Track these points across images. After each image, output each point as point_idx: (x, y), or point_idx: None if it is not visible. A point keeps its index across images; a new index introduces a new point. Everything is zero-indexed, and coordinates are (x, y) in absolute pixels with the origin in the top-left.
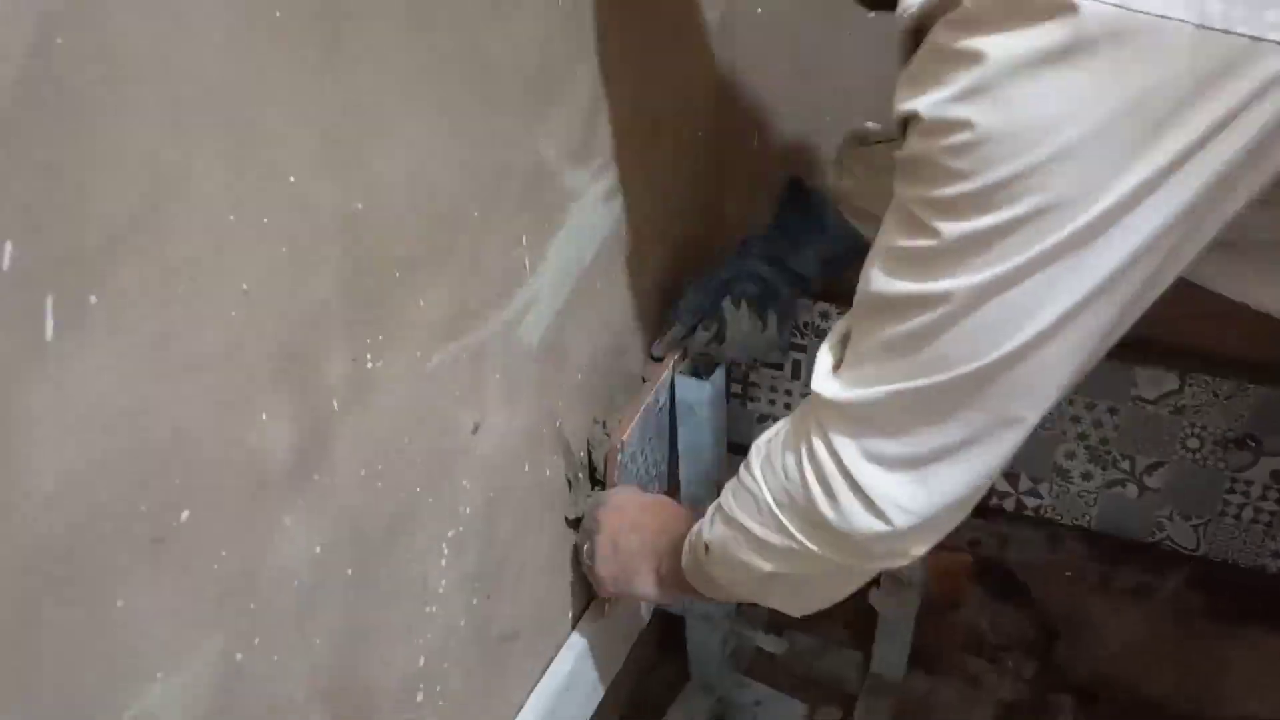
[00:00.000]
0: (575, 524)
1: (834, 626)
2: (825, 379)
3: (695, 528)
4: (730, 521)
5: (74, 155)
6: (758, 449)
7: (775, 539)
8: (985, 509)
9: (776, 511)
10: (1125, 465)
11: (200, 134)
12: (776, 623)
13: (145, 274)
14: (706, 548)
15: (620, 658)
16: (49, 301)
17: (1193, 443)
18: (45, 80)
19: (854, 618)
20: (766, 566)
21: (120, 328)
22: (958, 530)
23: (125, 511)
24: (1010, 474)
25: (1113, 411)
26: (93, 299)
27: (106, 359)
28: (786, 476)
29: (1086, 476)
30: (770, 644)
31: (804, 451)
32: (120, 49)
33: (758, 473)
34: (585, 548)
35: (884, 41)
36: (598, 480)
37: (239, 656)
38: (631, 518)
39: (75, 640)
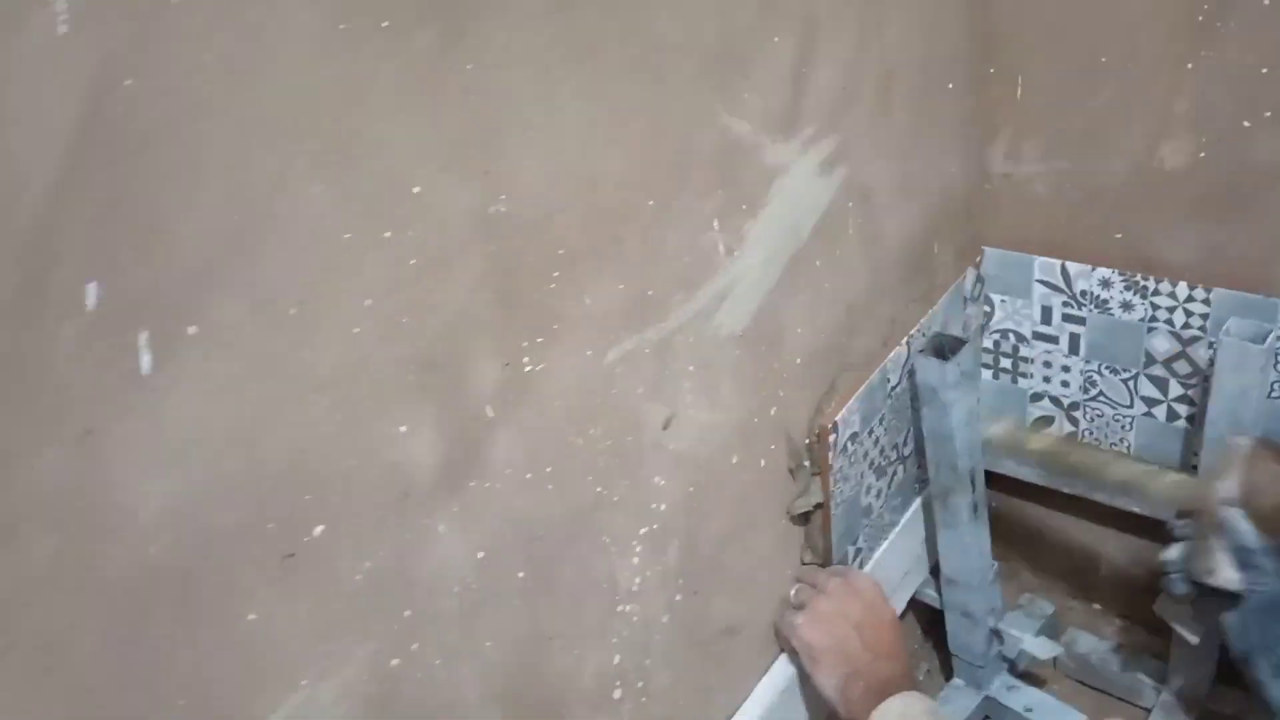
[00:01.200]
0: (800, 518)
1: (1134, 630)
2: None
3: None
4: None
5: (148, 190)
6: None
7: None
8: None
9: None
10: None
11: (293, 152)
12: (1056, 623)
13: (244, 300)
14: None
15: None
16: (142, 337)
17: None
18: (112, 121)
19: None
20: None
21: (222, 355)
22: None
23: (245, 531)
24: None
25: None
26: (191, 330)
27: (208, 386)
28: None
29: None
30: (1038, 648)
31: None
32: (190, 78)
33: None
34: (797, 594)
35: None
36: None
37: (395, 662)
38: (861, 617)
39: (201, 654)
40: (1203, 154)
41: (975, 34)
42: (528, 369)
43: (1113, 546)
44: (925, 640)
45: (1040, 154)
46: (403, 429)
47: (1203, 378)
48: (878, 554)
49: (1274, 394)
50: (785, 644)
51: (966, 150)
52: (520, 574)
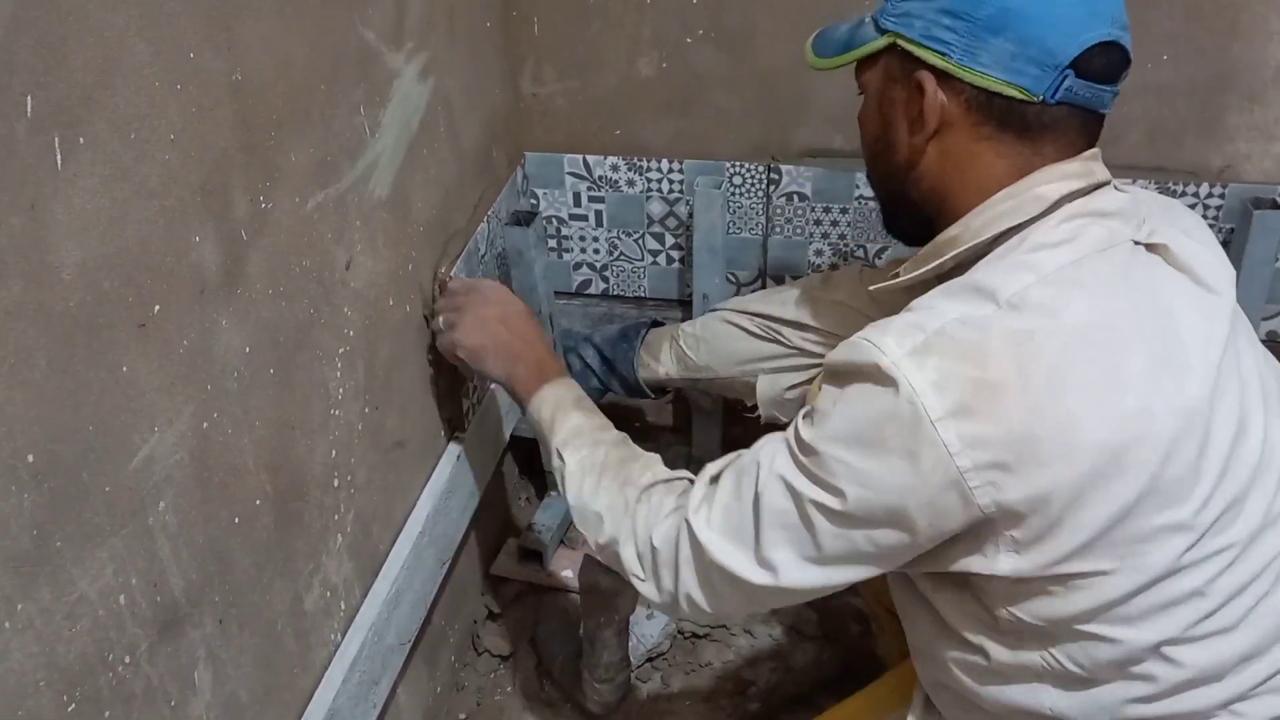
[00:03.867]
0: (435, 363)
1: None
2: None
3: (554, 406)
4: (585, 477)
5: (57, 37)
6: (648, 495)
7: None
8: None
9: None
10: (860, 253)
11: (128, 19)
12: None
13: (109, 123)
14: (560, 454)
15: (490, 468)
16: (56, 140)
17: None
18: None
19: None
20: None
21: (99, 161)
22: None
23: (118, 299)
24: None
25: (843, 210)
26: (80, 140)
27: (94, 184)
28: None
29: (834, 268)
30: None
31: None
32: None
33: (640, 509)
34: (442, 319)
35: None
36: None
37: (205, 425)
38: (502, 313)
39: (100, 391)
40: (664, 64)
41: None
42: (263, 205)
43: None
44: (522, 476)
45: (557, 75)
46: (197, 239)
47: (686, 228)
48: (488, 394)
49: (730, 230)
50: (451, 356)
51: (503, 75)
52: (271, 370)
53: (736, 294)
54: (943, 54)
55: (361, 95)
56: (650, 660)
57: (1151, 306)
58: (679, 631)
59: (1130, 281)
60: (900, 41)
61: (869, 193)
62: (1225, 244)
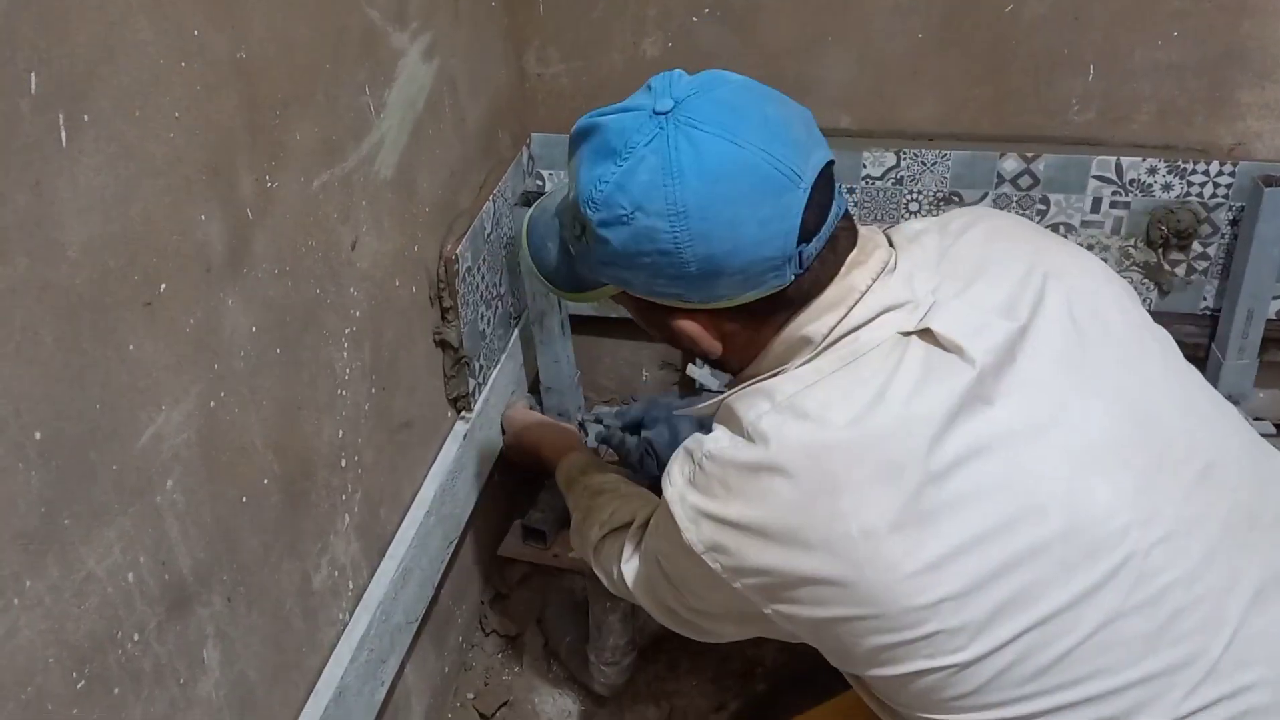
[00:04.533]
0: (441, 344)
1: None
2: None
3: (573, 475)
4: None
5: (59, 13)
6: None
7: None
8: None
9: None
10: None
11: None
12: None
13: (113, 100)
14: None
15: (496, 449)
16: (60, 117)
17: (913, 206)
18: None
19: None
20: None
21: (103, 139)
22: None
23: (125, 277)
24: None
25: (850, 191)
26: (85, 117)
27: (99, 162)
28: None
29: None
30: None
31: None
32: None
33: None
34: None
35: None
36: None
37: (212, 404)
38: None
39: (106, 370)
40: (669, 44)
41: None
42: (269, 185)
43: (645, 358)
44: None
45: (561, 56)
46: (203, 217)
47: None
48: (493, 376)
49: None
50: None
51: (508, 57)
52: (278, 350)
53: None
54: (681, 302)
55: (366, 75)
56: (656, 642)
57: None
58: None
59: (853, 398)
60: (630, 292)
61: (876, 172)
62: (1234, 222)
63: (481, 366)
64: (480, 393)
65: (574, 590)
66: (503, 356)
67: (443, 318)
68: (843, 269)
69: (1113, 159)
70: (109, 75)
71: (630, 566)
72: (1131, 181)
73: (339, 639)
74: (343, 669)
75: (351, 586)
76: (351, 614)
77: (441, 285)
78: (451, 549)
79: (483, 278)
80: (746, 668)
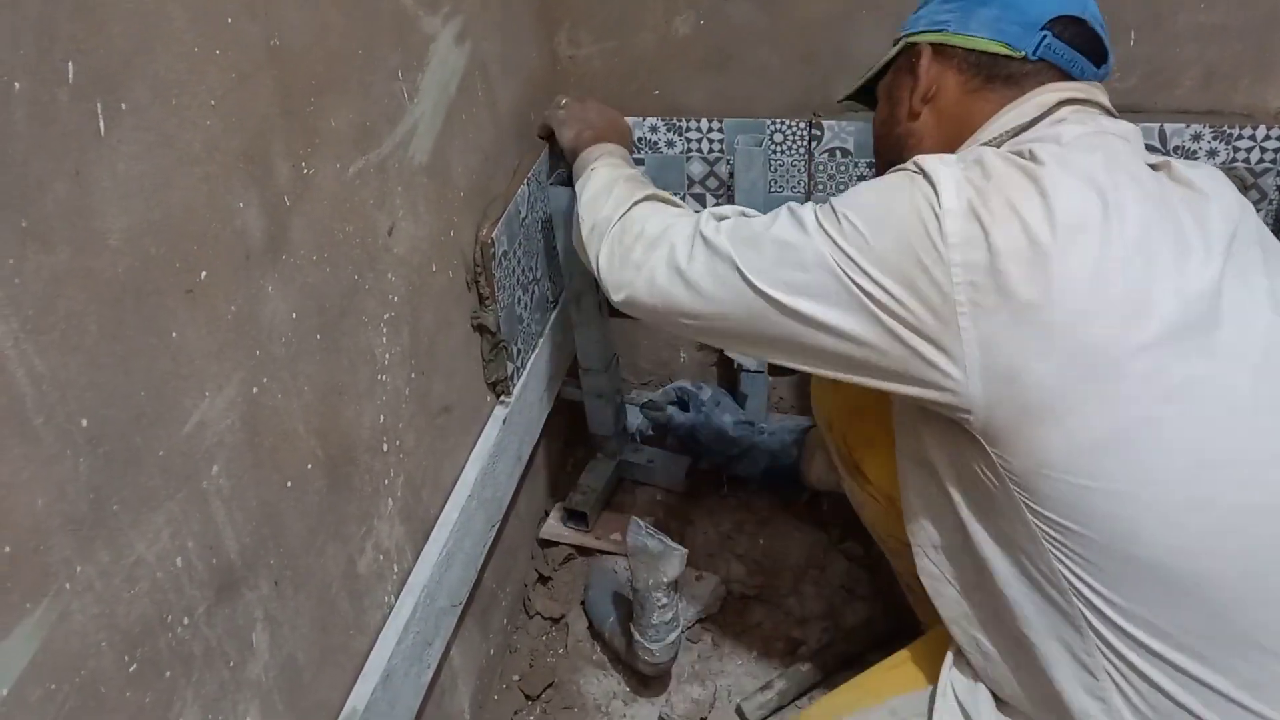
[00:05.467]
0: (478, 329)
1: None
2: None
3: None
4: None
5: (95, 2)
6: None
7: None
8: None
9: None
10: None
11: None
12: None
13: (150, 89)
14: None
15: (535, 432)
16: (99, 106)
17: None
18: None
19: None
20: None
21: (141, 128)
22: None
23: (166, 265)
24: None
25: None
26: (122, 106)
27: (137, 150)
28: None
29: None
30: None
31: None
32: None
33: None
34: (557, 114)
35: None
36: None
37: (255, 390)
38: (598, 111)
39: (150, 357)
40: (701, 22)
41: None
42: (305, 171)
43: (683, 339)
44: (568, 441)
45: (593, 37)
46: (241, 205)
47: (727, 188)
48: (531, 360)
49: (771, 189)
50: (544, 130)
51: (539, 38)
52: (317, 335)
53: None
54: (941, 29)
55: (399, 60)
56: (700, 621)
57: (1157, 191)
58: (729, 593)
59: (1137, 166)
60: (908, 39)
61: None
62: None
63: (519, 350)
64: (519, 377)
65: (616, 571)
66: (540, 341)
67: (480, 302)
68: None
69: (1156, 126)
70: (145, 64)
71: (716, 222)
72: (1176, 149)
73: (385, 622)
74: (389, 652)
75: (396, 570)
76: (397, 597)
77: (478, 269)
78: (494, 532)
79: (519, 262)
80: (790, 647)
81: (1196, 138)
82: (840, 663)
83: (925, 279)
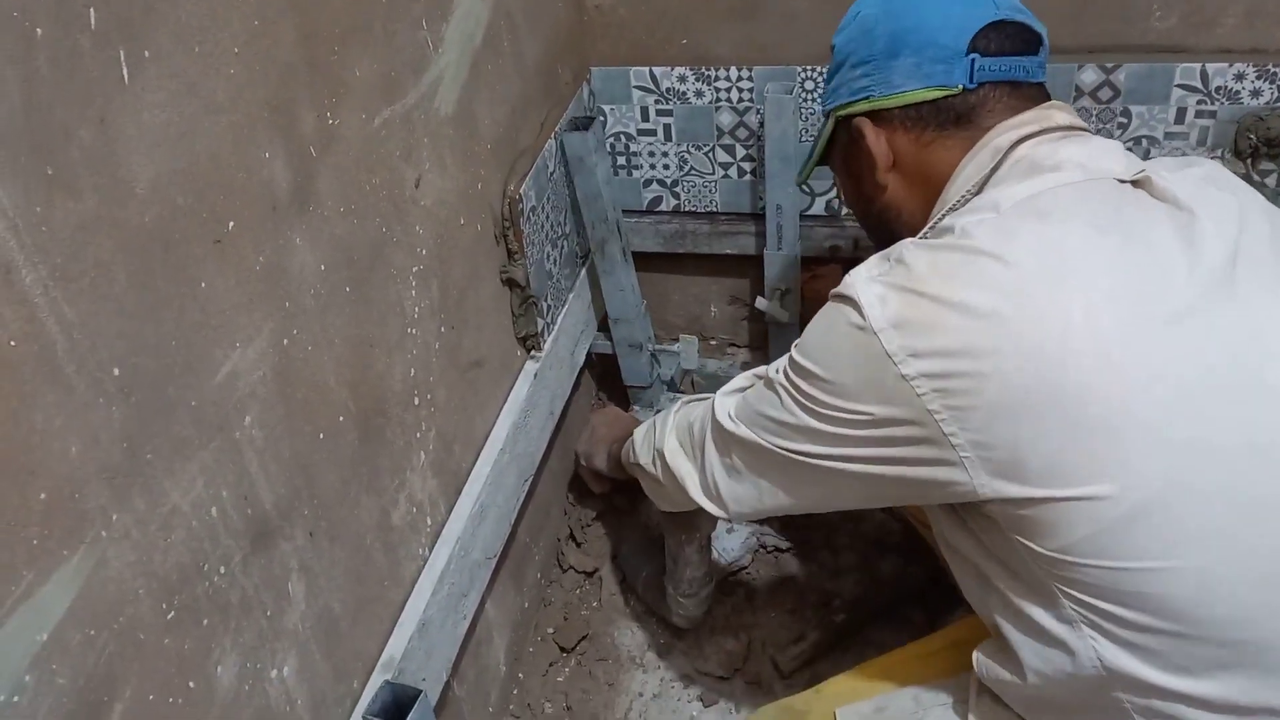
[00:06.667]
0: (508, 283)
1: (740, 350)
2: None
3: (628, 443)
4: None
5: None
6: (673, 423)
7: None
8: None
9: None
10: None
11: None
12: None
13: (173, 36)
14: (632, 455)
15: (567, 388)
16: (122, 53)
17: None
18: None
19: (755, 340)
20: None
21: (165, 75)
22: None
23: (194, 214)
24: None
25: None
26: (146, 53)
27: (162, 98)
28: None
29: None
30: (687, 360)
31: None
32: None
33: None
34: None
35: None
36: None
37: (285, 341)
38: (608, 419)
39: (180, 307)
40: None
41: None
42: (330, 121)
43: (714, 293)
44: (599, 395)
45: None
46: (266, 155)
47: (757, 138)
48: (561, 315)
49: (803, 138)
50: (586, 475)
51: None
52: (347, 288)
53: (810, 206)
54: (866, 98)
55: (422, 9)
56: (733, 575)
57: (1125, 226)
58: (761, 545)
59: (1091, 207)
60: (837, 112)
61: None
62: None
63: (550, 306)
64: (549, 332)
65: (649, 526)
66: (570, 296)
67: (509, 257)
68: (1038, 106)
69: (1197, 66)
70: (167, 11)
71: (730, 404)
72: (1218, 89)
73: (420, 573)
74: (424, 602)
75: (430, 523)
76: (431, 549)
77: (506, 224)
78: (527, 486)
79: (547, 217)
80: (824, 599)
81: (1239, 77)
82: (874, 614)
83: (900, 395)
